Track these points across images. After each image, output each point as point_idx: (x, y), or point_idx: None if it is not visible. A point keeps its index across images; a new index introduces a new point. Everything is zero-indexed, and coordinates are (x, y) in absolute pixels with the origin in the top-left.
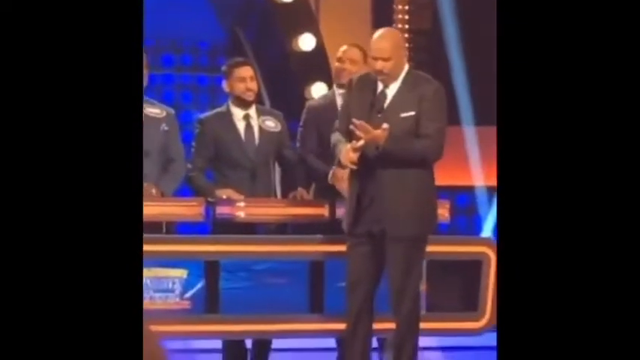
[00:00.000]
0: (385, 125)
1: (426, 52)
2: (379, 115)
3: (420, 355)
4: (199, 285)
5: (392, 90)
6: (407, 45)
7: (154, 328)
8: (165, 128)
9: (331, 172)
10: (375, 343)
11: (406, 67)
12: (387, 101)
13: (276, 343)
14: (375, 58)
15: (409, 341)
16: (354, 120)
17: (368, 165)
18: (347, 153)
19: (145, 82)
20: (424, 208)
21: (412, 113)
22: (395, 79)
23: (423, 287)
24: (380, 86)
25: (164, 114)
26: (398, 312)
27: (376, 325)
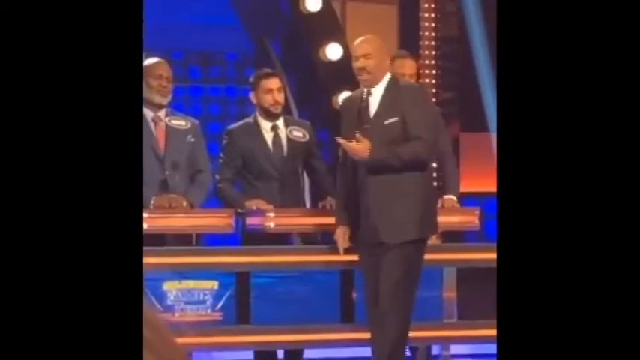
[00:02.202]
0: (358, 135)
1: (453, 60)
2: (366, 127)
3: None
4: (227, 294)
5: (375, 99)
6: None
7: (185, 340)
8: (192, 139)
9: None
10: (407, 352)
11: (388, 74)
12: (372, 111)
13: (308, 353)
14: (358, 57)
15: (397, 352)
16: (338, 139)
17: (362, 176)
18: (341, 240)
19: (170, 95)
20: (420, 213)
21: (395, 119)
22: (377, 81)
23: (453, 295)
24: (364, 96)
25: (189, 125)
26: (384, 318)
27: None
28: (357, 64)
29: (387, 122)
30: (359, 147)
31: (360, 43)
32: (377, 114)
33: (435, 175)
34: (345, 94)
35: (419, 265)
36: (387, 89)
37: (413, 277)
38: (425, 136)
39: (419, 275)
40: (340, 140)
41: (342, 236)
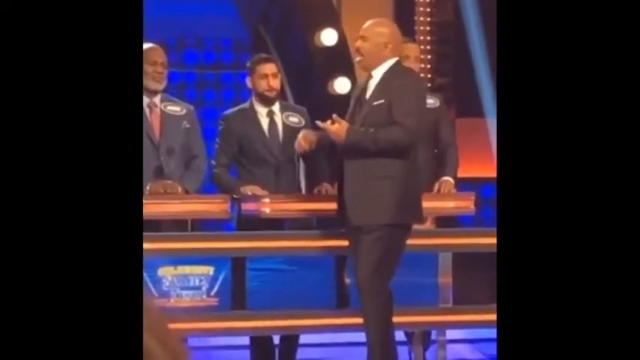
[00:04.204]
0: (335, 116)
1: (448, 45)
2: (360, 107)
3: (449, 347)
4: (222, 279)
5: (374, 82)
6: (400, 37)
7: (181, 326)
8: (187, 125)
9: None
10: (402, 337)
11: (394, 60)
12: (369, 92)
13: (304, 338)
14: (356, 38)
15: (376, 341)
16: (317, 122)
17: (344, 160)
18: (301, 136)
19: (165, 81)
20: (397, 197)
21: (382, 101)
22: (372, 65)
23: (448, 280)
24: (366, 79)
25: (184, 111)
26: (362, 307)
27: (400, 319)
28: (355, 45)
29: (375, 104)
30: (335, 128)
31: (364, 26)
32: (371, 96)
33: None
34: (340, 80)
35: (397, 252)
36: (387, 73)
37: (389, 262)
38: (404, 122)
39: (397, 261)
40: (320, 123)
41: (304, 136)
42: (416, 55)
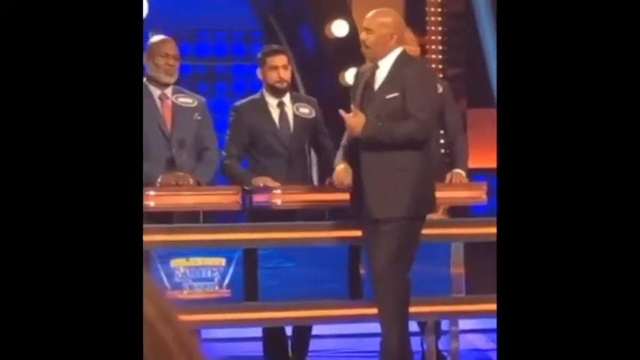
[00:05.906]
0: (354, 108)
1: (460, 35)
2: (369, 99)
3: (462, 337)
4: (235, 271)
5: (382, 73)
6: (402, 28)
7: (194, 317)
8: (198, 117)
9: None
10: (415, 327)
11: (399, 49)
12: (377, 84)
13: (316, 329)
14: (361, 30)
15: (393, 332)
16: (340, 111)
17: (359, 152)
18: (342, 176)
19: (176, 74)
20: (414, 190)
21: (396, 94)
22: (378, 57)
23: (461, 270)
24: (372, 69)
25: (196, 103)
26: (377, 298)
27: (412, 309)
28: (360, 37)
29: (388, 97)
30: (353, 120)
31: (370, 14)
32: (380, 88)
33: (442, 151)
34: (351, 71)
35: (414, 242)
36: (395, 64)
37: (407, 254)
38: (419, 116)
39: (414, 253)
40: (342, 112)
41: (342, 173)
42: (412, 39)
